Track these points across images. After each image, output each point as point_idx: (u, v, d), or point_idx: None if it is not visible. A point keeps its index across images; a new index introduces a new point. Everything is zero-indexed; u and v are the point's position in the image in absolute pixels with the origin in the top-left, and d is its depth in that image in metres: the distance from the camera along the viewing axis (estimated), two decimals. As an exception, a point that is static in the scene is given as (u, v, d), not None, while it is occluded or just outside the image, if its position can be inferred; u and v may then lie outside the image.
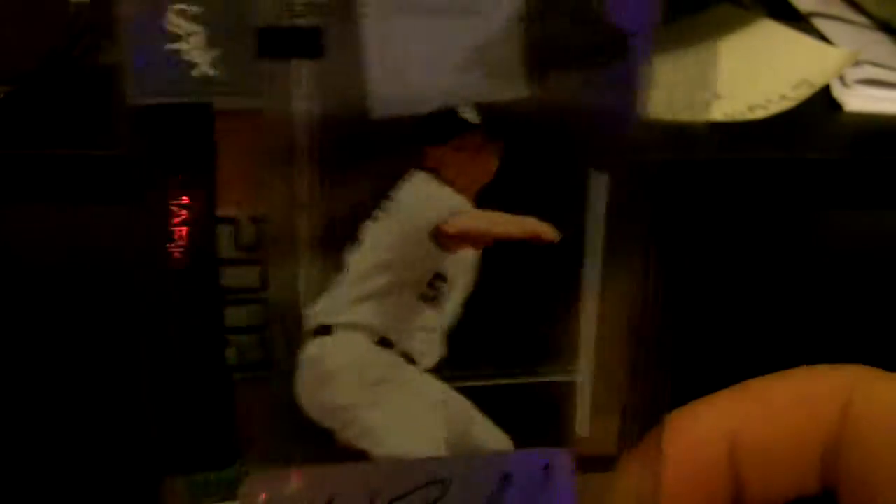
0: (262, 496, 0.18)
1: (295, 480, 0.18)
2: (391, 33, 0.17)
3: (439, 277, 0.18)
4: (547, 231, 0.18)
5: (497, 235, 0.18)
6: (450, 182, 0.18)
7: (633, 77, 0.17)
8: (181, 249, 0.17)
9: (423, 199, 0.18)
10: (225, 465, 0.18)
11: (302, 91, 0.17)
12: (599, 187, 0.18)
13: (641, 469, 0.19)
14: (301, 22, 0.16)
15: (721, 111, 0.38)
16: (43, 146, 0.34)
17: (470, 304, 0.18)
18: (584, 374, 0.19)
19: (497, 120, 0.17)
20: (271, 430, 0.18)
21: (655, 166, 0.18)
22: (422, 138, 0.18)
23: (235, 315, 0.18)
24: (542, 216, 0.18)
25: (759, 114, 0.38)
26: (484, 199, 0.18)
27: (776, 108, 0.39)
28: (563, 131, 0.18)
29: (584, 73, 0.17)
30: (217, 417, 0.18)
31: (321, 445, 0.19)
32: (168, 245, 0.17)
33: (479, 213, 0.18)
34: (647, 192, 0.18)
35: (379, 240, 0.18)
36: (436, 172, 0.18)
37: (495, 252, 0.18)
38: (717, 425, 0.20)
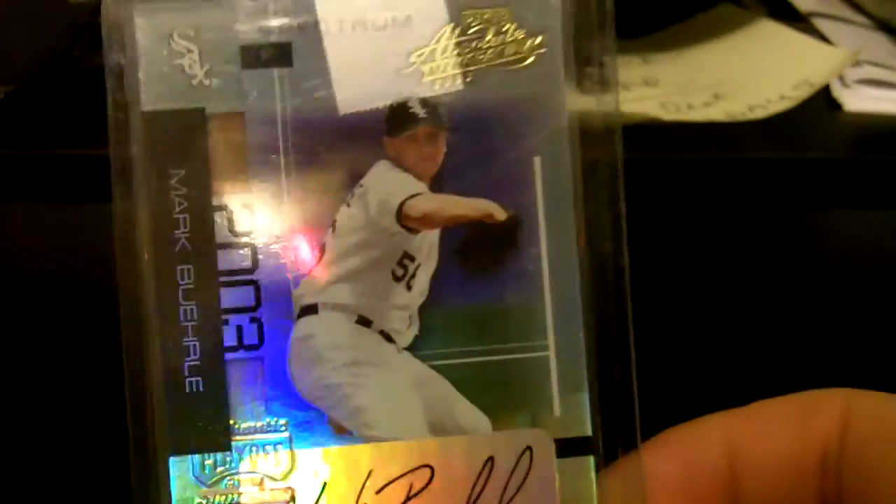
0: (259, 476, 0.19)
1: (289, 461, 0.20)
2: (348, 45, 0.20)
3: (407, 256, 0.20)
4: (496, 210, 0.20)
5: (453, 216, 0.21)
6: (407, 168, 0.21)
7: (550, 70, 0.21)
8: (184, 235, 0.20)
9: (387, 184, 0.21)
10: (222, 445, 0.19)
11: (278, 95, 0.20)
12: (535, 168, 0.21)
13: (625, 489, 0.20)
14: (275, 39, 0.20)
15: (721, 111, 0.38)
16: (43, 146, 0.34)
17: (436, 282, 0.20)
18: (550, 350, 0.20)
19: (439, 113, 0.21)
20: (267, 408, 0.20)
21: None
22: (380, 131, 0.21)
23: (230, 296, 0.20)
24: (492, 197, 0.21)
25: (759, 114, 0.38)
26: (439, 184, 0.21)
27: (776, 108, 0.39)
28: (498, 121, 0.21)
29: (507, 70, 0.21)
30: (215, 396, 0.20)
31: (314, 426, 0.20)
32: (171, 231, 0.20)
33: (435, 196, 0.21)
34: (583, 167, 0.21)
35: (352, 222, 0.20)
36: (395, 161, 0.21)
37: (455, 230, 0.21)
38: (716, 441, 0.20)
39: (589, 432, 0.20)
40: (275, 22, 0.20)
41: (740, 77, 0.41)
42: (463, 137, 0.21)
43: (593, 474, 0.20)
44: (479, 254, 0.21)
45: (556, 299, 0.20)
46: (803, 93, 0.39)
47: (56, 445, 0.50)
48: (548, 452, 0.20)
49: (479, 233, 0.20)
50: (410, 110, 0.20)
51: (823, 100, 0.40)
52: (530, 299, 0.20)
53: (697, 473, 0.20)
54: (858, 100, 0.40)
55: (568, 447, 0.20)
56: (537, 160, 0.21)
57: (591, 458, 0.20)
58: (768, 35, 0.45)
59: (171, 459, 0.19)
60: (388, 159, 0.21)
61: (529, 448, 0.20)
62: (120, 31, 0.20)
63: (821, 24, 0.46)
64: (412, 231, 0.20)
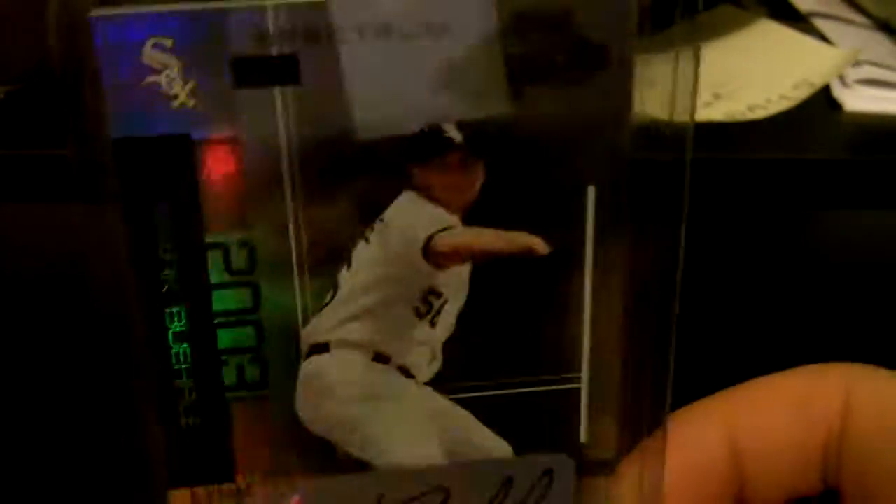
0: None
1: (298, 492, 0.19)
2: (368, 57, 0.17)
3: (433, 293, 0.19)
4: (537, 244, 0.18)
5: (487, 251, 0.18)
6: (437, 200, 0.18)
7: (614, 88, 0.18)
8: (171, 275, 0.18)
9: (413, 217, 0.18)
10: (225, 478, 0.18)
11: (282, 117, 0.17)
12: (588, 198, 0.18)
13: (642, 471, 0.19)
14: (276, 50, 0.16)
15: (721, 111, 0.38)
16: (43, 146, 0.34)
17: (465, 317, 0.19)
18: (583, 381, 0.19)
19: (480, 137, 0.17)
20: (273, 444, 0.19)
21: (648, 168, 0.18)
22: (407, 158, 0.18)
23: (230, 336, 0.18)
24: (532, 230, 0.18)
25: (759, 114, 0.38)
26: (474, 216, 0.18)
27: (776, 108, 0.38)
28: (547, 145, 0.18)
29: (563, 87, 0.17)
30: (215, 433, 0.18)
31: (323, 458, 0.19)
32: (157, 272, 0.18)
33: (468, 229, 0.18)
34: (637, 196, 0.18)
35: (371, 259, 0.18)
36: (424, 191, 0.18)
37: (489, 264, 0.18)
38: (717, 426, 0.20)
39: (613, 455, 0.19)
40: (276, 28, 0.16)
41: (740, 77, 0.41)
42: (505, 164, 0.18)
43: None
44: (516, 288, 0.19)
45: (596, 332, 0.19)
46: (803, 93, 0.39)
47: (54, 460, 0.50)
48: (568, 475, 0.19)
49: (517, 266, 0.18)
50: (445, 135, 0.17)
51: (823, 100, 0.40)
52: (568, 333, 0.19)
53: (699, 457, 0.20)
54: (858, 100, 0.40)
55: (588, 468, 0.19)
56: (591, 190, 0.18)
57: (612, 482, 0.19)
58: (768, 35, 0.45)
59: (177, 491, 0.18)
60: (414, 189, 0.18)
61: (550, 470, 0.19)
62: (75, 37, 0.16)
63: (821, 24, 0.46)
64: (440, 266, 0.18)
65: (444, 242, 0.18)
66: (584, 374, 0.19)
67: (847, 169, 0.37)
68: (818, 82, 0.40)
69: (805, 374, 0.20)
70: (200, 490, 0.18)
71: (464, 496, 0.19)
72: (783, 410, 0.20)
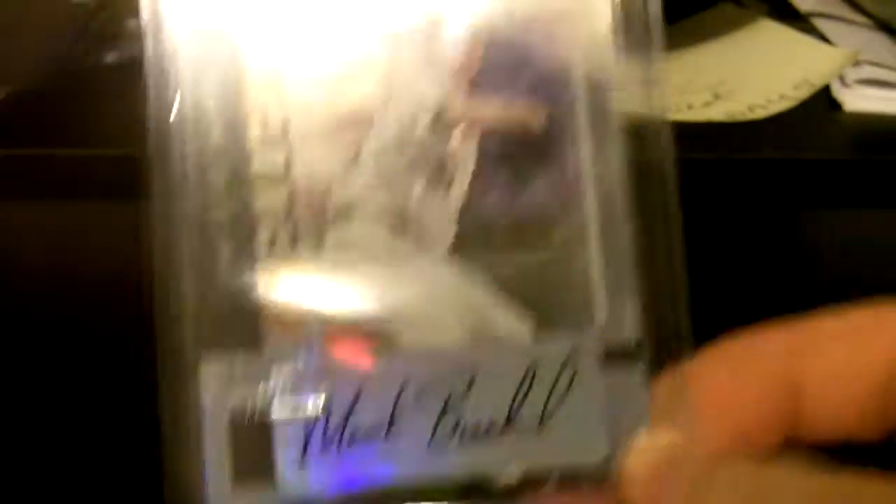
0: (288, 375, 0.19)
1: (323, 367, 0.19)
2: None
3: (443, 162, 0.20)
4: (535, 113, 0.20)
5: (492, 117, 0.20)
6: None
7: None
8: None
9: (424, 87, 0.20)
10: (254, 344, 0.19)
11: None
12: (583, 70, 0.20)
13: (674, 401, 0.19)
14: None
15: (721, 111, 0.38)
16: (43, 146, 0.34)
17: (476, 186, 0.20)
18: (593, 257, 0.20)
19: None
20: (298, 312, 0.19)
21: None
22: None
23: (264, 198, 0.19)
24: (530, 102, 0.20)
25: (759, 114, 0.38)
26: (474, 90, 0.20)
27: (776, 108, 0.38)
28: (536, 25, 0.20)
29: None
30: (246, 300, 0.19)
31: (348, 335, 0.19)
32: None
33: (473, 100, 0.20)
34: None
35: (387, 127, 0.20)
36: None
37: (494, 138, 0.20)
38: (775, 357, 0.19)
39: (636, 339, 0.19)
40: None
41: (740, 77, 0.41)
42: (498, 44, 0.20)
43: (641, 384, 0.19)
44: (519, 159, 0.20)
45: (602, 203, 0.20)
46: (803, 93, 0.39)
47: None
48: (592, 362, 0.19)
49: (519, 138, 0.20)
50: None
51: (823, 100, 0.40)
52: (572, 203, 0.20)
53: (755, 387, 0.19)
54: (858, 100, 0.40)
55: (614, 356, 0.19)
56: (578, 57, 0.20)
57: (639, 367, 0.19)
58: (768, 35, 0.45)
59: (210, 356, 0.19)
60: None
61: (571, 357, 0.19)
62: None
63: (821, 24, 0.46)
64: (448, 136, 0.20)
65: (452, 110, 0.20)
66: (594, 245, 0.20)
67: (847, 169, 0.37)
68: (818, 82, 0.40)
69: (870, 309, 0.20)
70: (230, 357, 0.19)
71: (489, 380, 0.19)
72: (845, 343, 0.19)
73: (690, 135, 0.36)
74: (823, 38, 0.45)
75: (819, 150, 0.38)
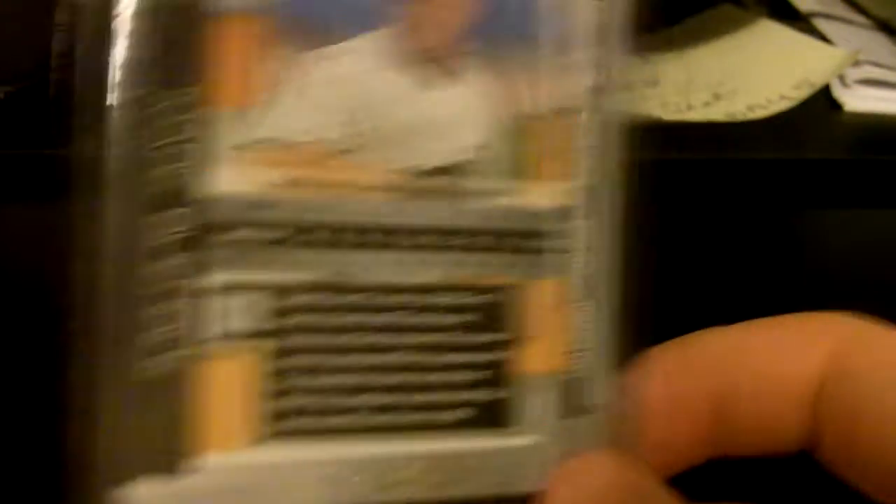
0: None
1: None
2: None
3: None
4: None
5: None
6: None
7: None
8: None
9: None
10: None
11: None
12: None
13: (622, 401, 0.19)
14: None
15: (721, 111, 0.38)
16: (43, 146, 0.34)
17: None
18: None
19: None
20: None
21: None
22: None
23: None
24: None
25: (759, 114, 0.38)
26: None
27: (776, 108, 0.39)
28: None
29: None
30: None
31: None
32: None
33: None
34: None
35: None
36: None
37: None
38: (707, 361, 0.19)
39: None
40: None
41: (740, 77, 0.41)
42: None
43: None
44: None
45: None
46: (803, 93, 0.39)
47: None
48: None
49: None
50: None
51: (823, 100, 0.40)
52: None
53: (684, 401, 0.19)
54: (858, 100, 0.40)
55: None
56: None
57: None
58: (768, 35, 0.45)
59: None
60: None
61: None
62: None
63: (821, 24, 0.46)
64: None
65: None
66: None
67: (847, 169, 0.37)
68: (818, 82, 0.40)
69: (801, 319, 0.20)
70: None
71: None
72: (779, 350, 0.19)
73: (690, 135, 0.36)
74: (823, 38, 0.45)
75: (819, 150, 0.38)
